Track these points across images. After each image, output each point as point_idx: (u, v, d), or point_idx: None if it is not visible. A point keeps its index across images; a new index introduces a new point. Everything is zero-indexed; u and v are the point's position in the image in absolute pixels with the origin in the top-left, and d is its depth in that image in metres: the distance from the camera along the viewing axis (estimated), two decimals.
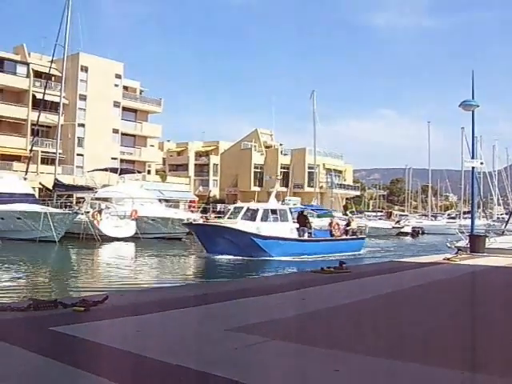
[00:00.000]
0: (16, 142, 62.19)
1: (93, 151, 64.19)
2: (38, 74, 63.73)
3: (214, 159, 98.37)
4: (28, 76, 64.39)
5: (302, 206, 39.13)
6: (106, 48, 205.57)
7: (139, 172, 64.96)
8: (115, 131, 69.96)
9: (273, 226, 29.65)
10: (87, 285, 20.20)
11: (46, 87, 52.90)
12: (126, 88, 73.53)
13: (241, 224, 28.76)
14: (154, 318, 6.91)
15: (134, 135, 74.59)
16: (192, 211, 53.43)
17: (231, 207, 33.48)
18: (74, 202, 47.02)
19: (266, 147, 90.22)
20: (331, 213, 45.54)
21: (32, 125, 59.14)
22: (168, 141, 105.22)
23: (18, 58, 65.76)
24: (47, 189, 50.36)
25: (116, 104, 70.24)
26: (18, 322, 6.21)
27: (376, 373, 4.80)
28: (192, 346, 5.52)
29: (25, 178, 47.38)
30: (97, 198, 44.46)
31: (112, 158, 66.38)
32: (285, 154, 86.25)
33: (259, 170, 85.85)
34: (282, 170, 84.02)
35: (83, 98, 66.84)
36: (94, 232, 36.38)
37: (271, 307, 8.12)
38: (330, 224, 36.13)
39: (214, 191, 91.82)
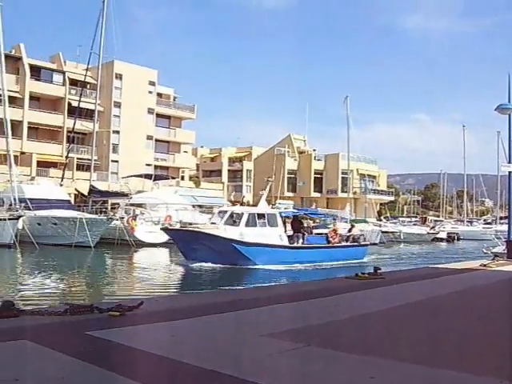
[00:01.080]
0: (52, 149, 63.26)
1: (127, 157, 64.88)
2: (74, 82, 64.81)
3: (248, 165, 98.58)
4: (64, 84, 65.47)
5: (295, 210, 35.70)
6: (139, 54, 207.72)
7: (173, 178, 65.47)
8: (149, 138, 70.67)
9: (259, 231, 27.62)
10: (122, 290, 20.38)
11: (81, 95, 53.85)
12: (159, 95, 74.28)
13: (222, 229, 26.90)
14: (187, 323, 6.95)
15: (167, 141, 75.28)
16: None
17: (215, 211, 31.56)
18: (109, 208, 47.56)
19: (300, 153, 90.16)
20: (328, 217, 41.77)
21: (68, 132, 60.05)
22: (201, 147, 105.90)
23: (54, 66, 66.96)
24: (83, 195, 51.09)
25: (150, 111, 70.97)
26: (55, 327, 6.30)
27: (411, 380, 4.76)
28: (226, 352, 5.53)
29: (61, 185, 48.19)
30: (131, 204, 44.90)
31: (146, 165, 67.03)
32: (318, 160, 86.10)
33: (292, 176, 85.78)
34: (316, 176, 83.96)
35: (118, 105, 67.69)
36: (129, 237, 36.70)
37: (304, 313, 8.10)
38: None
39: (248, 197, 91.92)
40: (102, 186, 53.33)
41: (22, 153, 58.71)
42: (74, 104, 57.66)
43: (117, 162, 66.32)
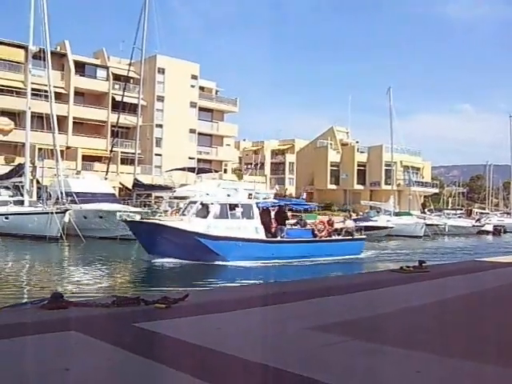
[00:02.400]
0: (97, 144, 64.30)
1: (170, 151, 65.46)
2: (117, 77, 65.72)
3: (290, 157, 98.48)
4: (107, 79, 66.50)
5: (275, 201, 30.87)
6: (181, 48, 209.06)
7: (216, 171, 65.77)
8: (192, 131, 71.18)
9: (232, 223, 25.22)
10: (167, 282, 20.59)
11: (124, 89, 54.53)
12: (202, 88, 74.73)
13: (186, 221, 24.80)
14: (233, 315, 6.98)
15: (210, 135, 75.71)
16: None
17: (187, 202, 29.01)
18: (153, 201, 48.06)
19: (342, 145, 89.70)
20: (314, 208, 38.07)
21: (112, 126, 60.97)
22: (244, 140, 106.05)
23: (98, 62, 67.96)
24: (127, 188, 51.78)
25: (192, 104, 71.44)
26: (102, 318, 6.40)
27: (459, 375, 4.69)
28: (271, 344, 5.54)
29: (106, 178, 48.90)
30: (175, 197, 45.24)
31: (189, 158, 67.54)
32: (361, 152, 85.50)
33: (335, 168, 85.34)
34: (359, 168, 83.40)
35: (161, 99, 68.34)
36: None
37: (349, 307, 8.06)
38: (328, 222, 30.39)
39: (290, 189, 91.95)
40: (145, 179, 53.93)
41: (68, 147, 59.76)
42: (118, 99, 58.46)
43: (160, 155, 67.04)
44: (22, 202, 39.56)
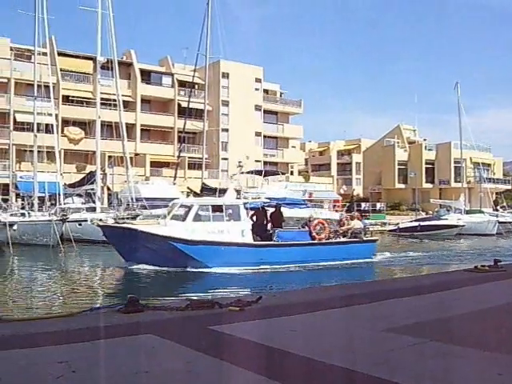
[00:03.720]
0: (165, 150, 65.36)
1: (237, 155, 65.77)
2: (182, 84, 66.60)
3: (357, 157, 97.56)
4: (173, 86, 67.51)
5: (267, 200, 27.14)
6: (244, 52, 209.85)
7: (283, 173, 65.77)
8: (258, 134, 71.41)
9: (215, 226, 22.92)
10: (239, 286, 20.64)
11: (190, 95, 55.13)
12: (266, 91, 74.92)
13: (162, 225, 22.76)
14: (305, 318, 6.99)
15: (275, 137, 75.81)
16: (336, 210, 53.38)
17: (170, 204, 26.18)
18: None
19: (410, 143, 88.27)
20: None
21: (178, 132, 61.89)
22: (309, 141, 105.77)
23: (163, 69, 69.09)
24: (195, 193, 52.28)
25: (257, 107, 71.67)
26: (178, 321, 6.53)
27: None
28: (346, 347, 5.53)
29: (174, 183, 49.54)
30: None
31: (255, 161, 67.67)
32: (429, 149, 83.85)
33: (403, 167, 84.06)
34: (427, 166, 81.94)
35: (226, 103, 68.86)
36: None
37: (423, 308, 7.94)
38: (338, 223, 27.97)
39: (358, 190, 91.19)
40: (213, 183, 54.39)
41: (136, 154, 60.96)
42: (184, 105, 59.28)
43: (226, 159, 67.51)
44: (93, 209, 40.49)
